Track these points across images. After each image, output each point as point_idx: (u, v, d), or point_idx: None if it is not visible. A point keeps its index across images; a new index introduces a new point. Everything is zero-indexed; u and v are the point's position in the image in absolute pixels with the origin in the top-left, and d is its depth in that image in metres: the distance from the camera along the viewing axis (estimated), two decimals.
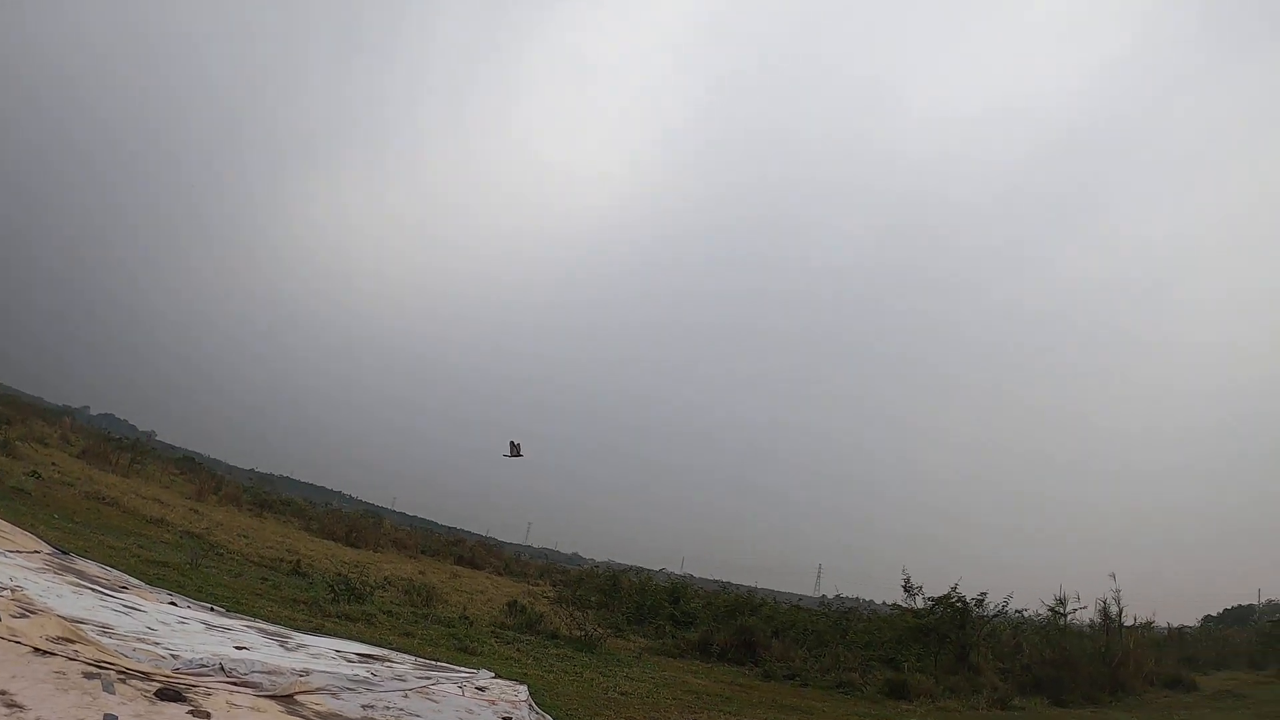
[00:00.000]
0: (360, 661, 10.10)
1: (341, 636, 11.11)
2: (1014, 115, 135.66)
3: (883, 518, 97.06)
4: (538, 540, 79.38)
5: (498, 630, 18.47)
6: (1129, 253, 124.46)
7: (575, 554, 76.02)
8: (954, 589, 20.60)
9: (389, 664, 10.42)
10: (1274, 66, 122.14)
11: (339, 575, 18.22)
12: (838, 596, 24.55)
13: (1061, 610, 21.74)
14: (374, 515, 48.51)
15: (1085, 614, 22.77)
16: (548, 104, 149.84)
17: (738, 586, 34.49)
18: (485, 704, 10.17)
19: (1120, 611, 22.41)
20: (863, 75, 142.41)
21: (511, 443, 24.14)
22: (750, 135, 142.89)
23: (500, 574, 37.93)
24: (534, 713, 9.90)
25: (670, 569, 45.02)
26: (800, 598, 26.42)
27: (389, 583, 20.84)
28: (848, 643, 20.52)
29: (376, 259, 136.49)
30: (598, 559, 60.83)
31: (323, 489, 69.27)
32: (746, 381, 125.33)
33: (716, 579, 47.80)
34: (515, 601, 21.89)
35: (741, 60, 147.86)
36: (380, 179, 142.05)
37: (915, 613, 20.82)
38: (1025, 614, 22.44)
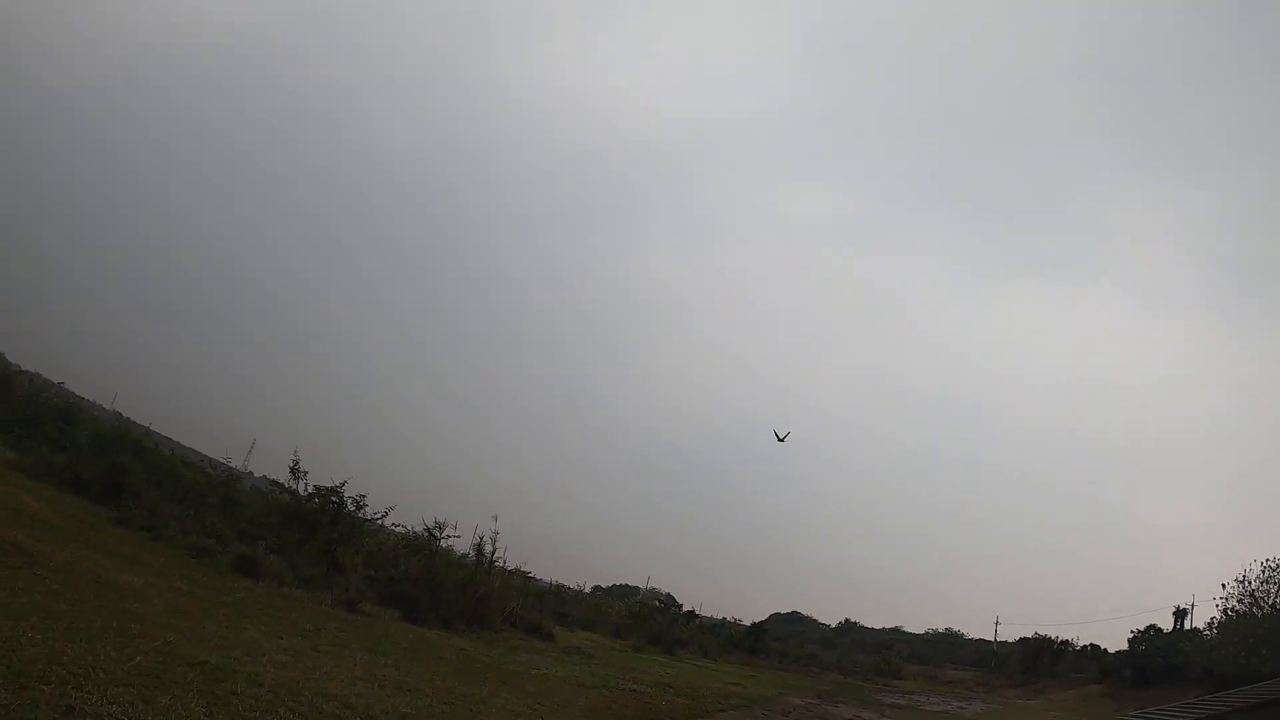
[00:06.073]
0: None
1: None
2: None
3: (335, 409, 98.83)
4: None
5: None
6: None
7: (0, 354, 67.28)
8: (340, 485, 21.44)
9: None
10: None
11: None
12: (267, 479, 24.76)
13: (437, 534, 23.59)
14: None
15: (462, 544, 25.07)
16: None
17: (151, 431, 33.14)
18: None
19: (494, 551, 24.76)
20: None
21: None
22: None
23: None
24: None
25: (100, 402, 41.83)
26: (218, 465, 26.09)
27: None
28: (230, 512, 20.85)
29: None
30: (25, 367, 54.70)
31: None
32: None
33: (147, 425, 45.42)
34: None
35: None
36: None
37: (294, 494, 21.38)
38: (404, 529, 24.17)
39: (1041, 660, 65.91)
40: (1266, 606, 45.19)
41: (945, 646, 79.69)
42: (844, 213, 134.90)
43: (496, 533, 24.99)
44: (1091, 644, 64.54)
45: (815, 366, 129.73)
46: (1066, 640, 66.84)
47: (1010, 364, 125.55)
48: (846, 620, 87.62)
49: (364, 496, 21.84)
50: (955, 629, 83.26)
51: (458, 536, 24.54)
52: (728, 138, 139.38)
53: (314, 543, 20.29)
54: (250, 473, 26.64)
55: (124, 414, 45.26)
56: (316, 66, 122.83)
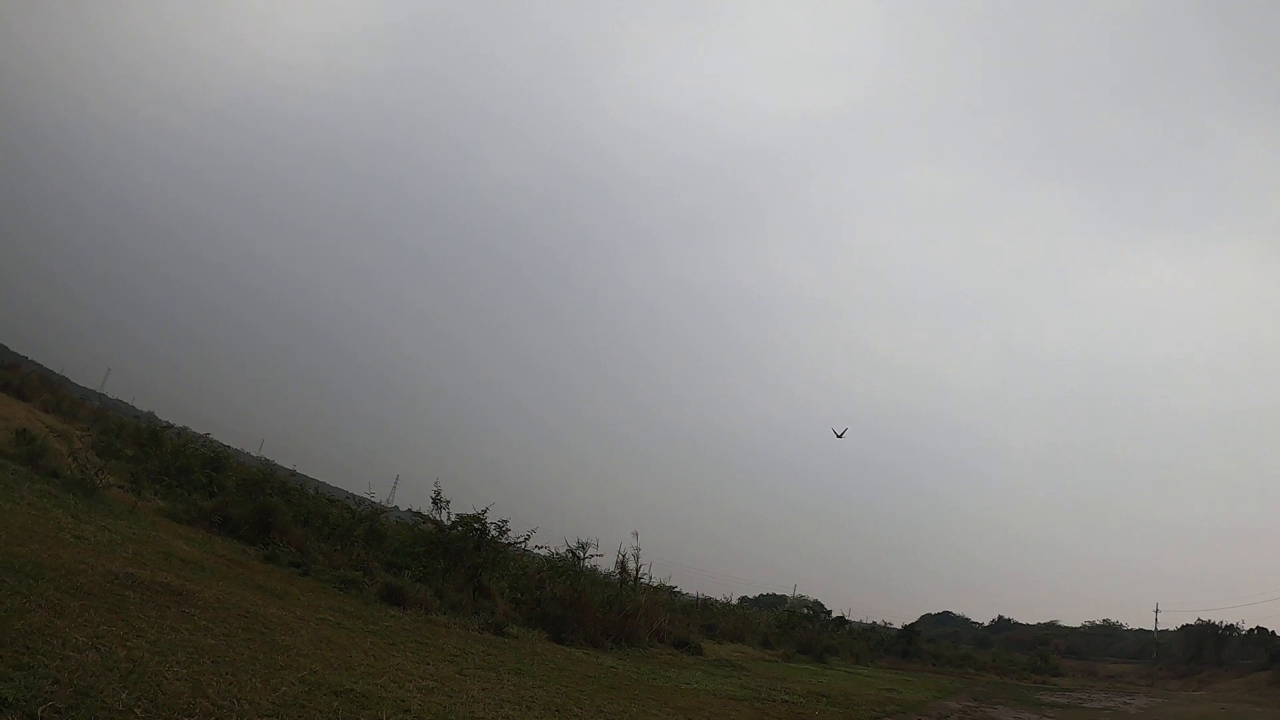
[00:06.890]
0: None
1: None
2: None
3: (471, 440, 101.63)
4: (116, 390, 73.65)
5: None
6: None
7: (151, 413, 71.83)
8: (482, 512, 21.40)
9: None
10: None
11: None
12: (410, 510, 25.30)
13: (580, 554, 23.79)
14: None
15: (604, 562, 25.30)
16: None
17: (295, 473, 34.28)
18: None
19: (638, 568, 24.93)
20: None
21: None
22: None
23: (48, 410, 35.13)
24: None
25: (247, 449, 43.91)
26: (362, 501, 26.82)
27: None
28: (376, 545, 21.20)
29: None
30: (175, 422, 57.93)
31: None
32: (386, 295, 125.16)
33: (291, 468, 47.21)
34: (26, 430, 20.77)
35: None
36: None
37: (437, 524, 21.51)
38: (548, 551, 24.24)
39: (1205, 648, 62.08)
40: None
41: (1103, 639, 76.38)
42: (961, 190, 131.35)
43: (638, 549, 25.11)
44: (1258, 627, 60.19)
45: (954, 356, 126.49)
46: (1231, 625, 62.77)
47: (1150, 337, 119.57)
48: (1000, 618, 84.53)
49: (506, 522, 21.74)
50: (1113, 620, 79.49)
51: (600, 556, 24.83)
52: (834, 128, 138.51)
53: (459, 569, 20.38)
54: (395, 507, 27.34)
55: (270, 459, 47.39)
56: (419, 123, 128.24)
